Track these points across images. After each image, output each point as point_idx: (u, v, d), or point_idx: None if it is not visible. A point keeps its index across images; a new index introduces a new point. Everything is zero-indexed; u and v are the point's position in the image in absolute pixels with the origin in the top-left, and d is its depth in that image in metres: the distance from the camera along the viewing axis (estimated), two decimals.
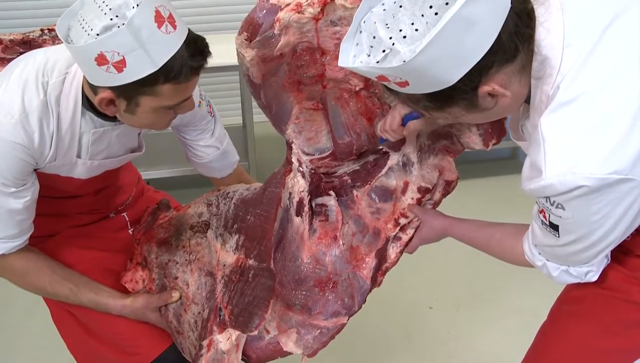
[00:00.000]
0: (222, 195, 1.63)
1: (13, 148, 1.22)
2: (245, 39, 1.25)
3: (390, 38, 0.87)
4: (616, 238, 0.99)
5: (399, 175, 1.45)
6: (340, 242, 1.45)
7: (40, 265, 1.41)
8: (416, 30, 0.85)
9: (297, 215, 1.46)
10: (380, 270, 1.43)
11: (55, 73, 1.26)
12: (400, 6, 0.87)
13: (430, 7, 0.84)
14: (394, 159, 1.45)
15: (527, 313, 2.47)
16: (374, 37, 0.89)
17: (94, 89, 1.22)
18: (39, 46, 2.97)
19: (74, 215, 1.57)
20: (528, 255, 1.16)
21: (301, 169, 1.45)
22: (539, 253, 1.12)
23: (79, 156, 1.36)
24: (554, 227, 1.00)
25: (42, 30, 3.13)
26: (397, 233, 1.43)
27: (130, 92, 1.19)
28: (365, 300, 1.42)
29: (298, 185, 1.46)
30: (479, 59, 0.87)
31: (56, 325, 1.59)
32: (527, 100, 1.02)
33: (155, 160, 3.08)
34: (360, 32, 0.92)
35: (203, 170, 1.73)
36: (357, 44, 0.92)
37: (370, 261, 1.42)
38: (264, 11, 1.22)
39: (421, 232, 1.41)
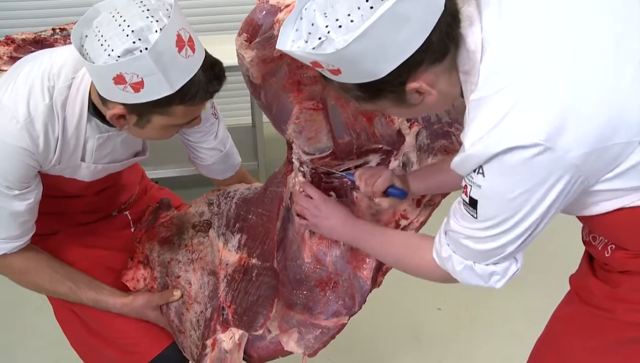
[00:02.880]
0: (223, 194, 1.63)
1: (18, 153, 1.23)
2: (245, 40, 1.24)
3: (327, 26, 0.90)
4: (531, 227, 0.97)
5: None
6: (341, 243, 1.45)
7: (41, 264, 1.42)
8: (351, 21, 0.88)
9: (298, 215, 1.46)
10: (380, 271, 1.43)
11: (62, 78, 1.26)
12: None
13: (367, 0, 0.87)
14: (394, 163, 1.45)
15: (536, 314, 2.41)
16: (312, 24, 0.92)
17: (104, 101, 1.22)
18: (51, 45, 2.99)
19: (76, 214, 1.57)
20: (436, 246, 1.13)
21: (302, 169, 1.45)
22: (448, 244, 1.10)
23: (82, 159, 1.36)
24: (473, 204, 0.99)
25: (53, 29, 3.16)
26: None
27: (143, 110, 1.19)
28: (366, 301, 1.42)
29: (299, 185, 1.45)
30: (408, 55, 0.90)
31: (59, 322, 1.60)
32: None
33: (161, 159, 3.08)
34: (301, 18, 0.95)
35: (205, 172, 1.72)
36: (296, 30, 0.95)
37: (371, 262, 1.42)
38: (264, 12, 1.21)
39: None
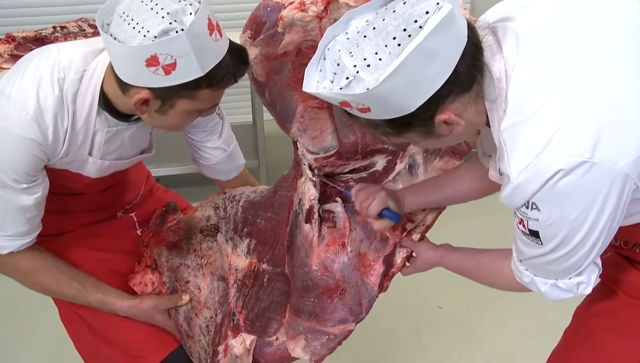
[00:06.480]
0: (229, 198, 1.61)
1: (27, 144, 1.22)
2: (249, 37, 1.25)
3: (355, 66, 0.90)
4: (599, 239, 0.97)
5: (405, 180, 1.43)
6: (349, 249, 1.44)
7: (47, 264, 1.40)
8: (380, 59, 0.88)
9: (307, 222, 1.45)
10: (387, 276, 1.41)
11: (72, 70, 1.25)
12: (365, 36, 0.90)
13: (394, 38, 0.88)
14: (400, 165, 1.43)
15: (536, 312, 2.45)
16: (338, 65, 0.92)
17: (126, 88, 1.21)
18: (51, 43, 2.97)
19: (81, 213, 1.55)
20: (515, 273, 1.14)
21: (313, 179, 1.44)
22: (526, 270, 1.10)
23: (90, 154, 1.35)
24: (535, 234, 0.99)
25: (54, 27, 3.15)
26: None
27: (169, 95, 1.20)
28: (372, 306, 1.41)
29: (309, 193, 1.44)
30: (437, 88, 0.91)
31: (64, 324, 1.58)
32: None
33: (165, 157, 3.07)
34: (324, 59, 0.96)
35: (208, 172, 1.70)
36: (320, 70, 0.96)
37: (378, 267, 1.41)
38: (268, 9, 1.21)
39: (415, 264, 1.42)
